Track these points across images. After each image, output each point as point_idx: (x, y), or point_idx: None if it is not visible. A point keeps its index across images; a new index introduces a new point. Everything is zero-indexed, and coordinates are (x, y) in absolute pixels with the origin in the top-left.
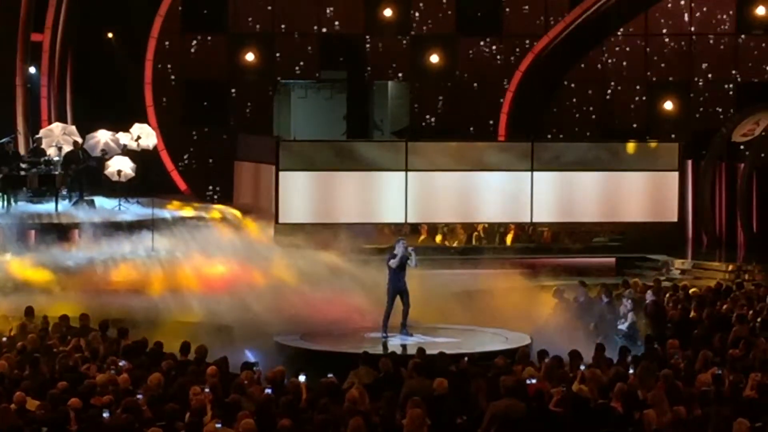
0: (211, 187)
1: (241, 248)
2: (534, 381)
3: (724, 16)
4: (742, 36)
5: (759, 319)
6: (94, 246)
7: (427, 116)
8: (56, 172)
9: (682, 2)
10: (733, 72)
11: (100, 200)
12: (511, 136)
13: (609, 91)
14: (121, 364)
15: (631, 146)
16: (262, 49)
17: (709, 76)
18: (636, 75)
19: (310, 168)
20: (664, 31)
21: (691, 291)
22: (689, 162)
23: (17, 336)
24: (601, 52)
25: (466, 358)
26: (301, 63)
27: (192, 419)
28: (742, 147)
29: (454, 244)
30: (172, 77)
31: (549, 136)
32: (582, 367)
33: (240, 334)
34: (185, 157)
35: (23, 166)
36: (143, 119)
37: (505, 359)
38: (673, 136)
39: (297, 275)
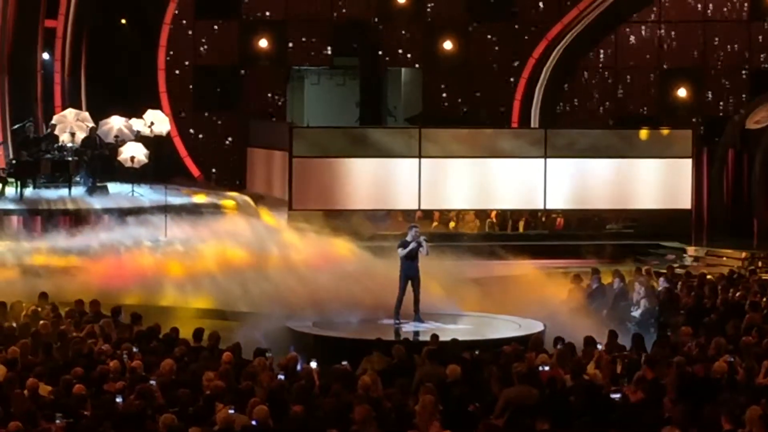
0: (224, 174)
1: (254, 234)
2: (547, 368)
3: (738, 3)
4: (756, 23)
5: None
6: (107, 232)
7: (441, 103)
8: (70, 158)
9: None
10: (747, 59)
11: (113, 186)
12: (524, 122)
13: (622, 77)
14: (134, 350)
15: (644, 133)
16: (275, 36)
17: (723, 63)
18: (649, 62)
19: (323, 154)
20: (678, 17)
21: (707, 278)
22: (704, 149)
23: (30, 321)
24: (614, 38)
25: (476, 352)
26: (315, 49)
27: (204, 405)
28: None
29: (467, 231)
30: (186, 63)
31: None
32: (599, 347)
33: (252, 320)
34: (198, 143)
35: (40, 152)
36: (156, 105)
37: (516, 346)
38: (693, 120)
39: (310, 261)
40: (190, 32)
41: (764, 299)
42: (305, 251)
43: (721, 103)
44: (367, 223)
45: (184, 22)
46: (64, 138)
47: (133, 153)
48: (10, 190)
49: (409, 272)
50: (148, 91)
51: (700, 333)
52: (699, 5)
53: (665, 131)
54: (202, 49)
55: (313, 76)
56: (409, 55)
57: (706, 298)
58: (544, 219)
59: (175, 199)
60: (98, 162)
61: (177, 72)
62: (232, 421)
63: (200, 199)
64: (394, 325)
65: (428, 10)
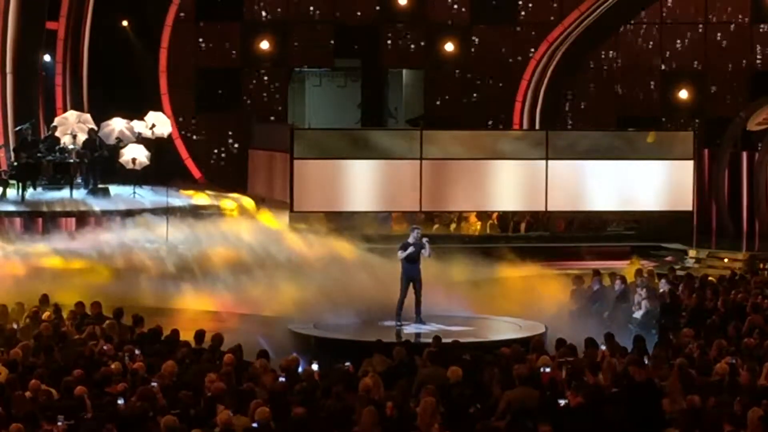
0: (225, 176)
1: (255, 236)
2: (548, 370)
3: (739, 5)
4: (758, 25)
5: None
6: (109, 234)
7: (442, 104)
8: (71, 160)
9: None
10: (748, 60)
11: (114, 188)
12: (526, 124)
13: (623, 79)
14: (135, 352)
15: (651, 136)
16: (276, 37)
17: (724, 64)
18: (651, 63)
19: (325, 156)
20: (679, 19)
21: (708, 279)
22: (705, 151)
23: (31, 324)
24: (615, 40)
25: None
26: (316, 51)
27: (206, 407)
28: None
29: (468, 233)
30: (187, 65)
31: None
32: (603, 347)
33: (253, 322)
34: (199, 145)
35: (39, 154)
36: (158, 107)
37: (517, 348)
38: (695, 121)
39: (311, 263)
40: (191, 34)
41: (766, 300)
42: (306, 253)
43: (721, 105)
44: (370, 224)
45: (186, 23)
46: (66, 140)
47: (135, 155)
48: (12, 192)
49: (411, 274)
50: (150, 92)
51: (701, 335)
52: (700, 7)
53: (667, 133)
54: (203, 50)
55: (314, 78)
56: (410, 57)
57: (707, 299)
58: (547, 219)
59: (177, 201)
60: (99, 164)
61: (178, 74)
62: (233, 423)
63: (201, 200)
64: (395, 327)
65: (429, 11)
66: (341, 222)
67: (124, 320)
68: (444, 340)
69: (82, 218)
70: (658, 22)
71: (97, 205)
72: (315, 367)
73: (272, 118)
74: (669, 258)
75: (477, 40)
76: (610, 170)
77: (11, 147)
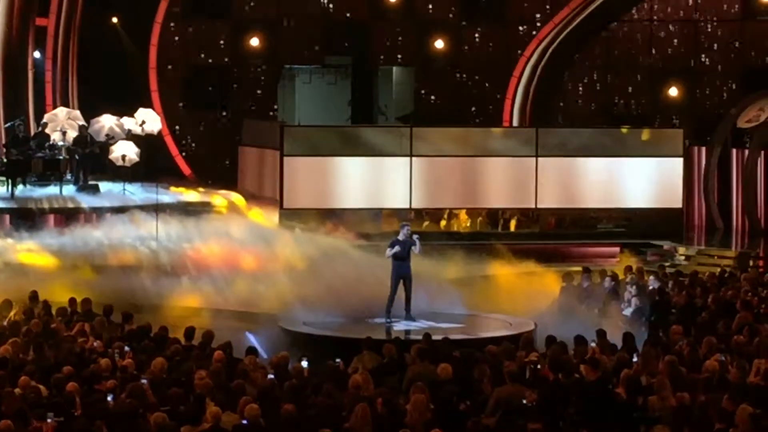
0: (215, 172)
1: (245, 233)
2: (538, 367)
3: (730, 2)
4: (749, 22)
5: (763, 305)
6: (98, 230)
7: (432, 101)
8: (61, 157)
9: None
10: (739, 57)
11: (104, 185)
12: (516, 121)
13: (613, 76)
14: (125, 349)
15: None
16: (266, 35)
17: (715, 61)
18: (641, 60)
19: (315, 153)
20: (670, 16)
21: (698, 276)
22: (695, 148)
23: (21, 320)
24: (606, 37)
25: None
26: (306, 48)
27: (195, 404)
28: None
29: (459, 230)
30: (177, 62)
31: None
32: (593, 344)
33: (244, 319)
34: (190, 142)
35: (29, 150)
36: (148, 104)
37: (507, 345)
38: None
39: (300, 260)
40: (181, 31)
41: (755, 298)
42: (296, 250)
43: (712, 103)
44: (360, 221)
45: (176, 21)
46: (55, 137)
47: (125, 152)
48: (1, 189)
49: (401, 271)
50: (140, 89)
51: (691, 332)
52: (691, 4)
53: (657, 130)
54: (193, 47)
55: (304, 75)
56: (400, 54)
57: (697, 297)
58: (537, 217)
59: (166, 198)
60: (89, 160)
61: (168, 71)
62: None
63: (191, 197)
64: (385, 324)
65: (420, 9)
66: (332, 219)
67: (114, 317)
68: (434, 337)
69: (72, 215)
70: (648, 19)
71: (87, 201)
72: (305, 364)
73: (262, 115)
74: (659, 255)
75: (467, 37)
76: (600, 167)
77: (1, 143)
